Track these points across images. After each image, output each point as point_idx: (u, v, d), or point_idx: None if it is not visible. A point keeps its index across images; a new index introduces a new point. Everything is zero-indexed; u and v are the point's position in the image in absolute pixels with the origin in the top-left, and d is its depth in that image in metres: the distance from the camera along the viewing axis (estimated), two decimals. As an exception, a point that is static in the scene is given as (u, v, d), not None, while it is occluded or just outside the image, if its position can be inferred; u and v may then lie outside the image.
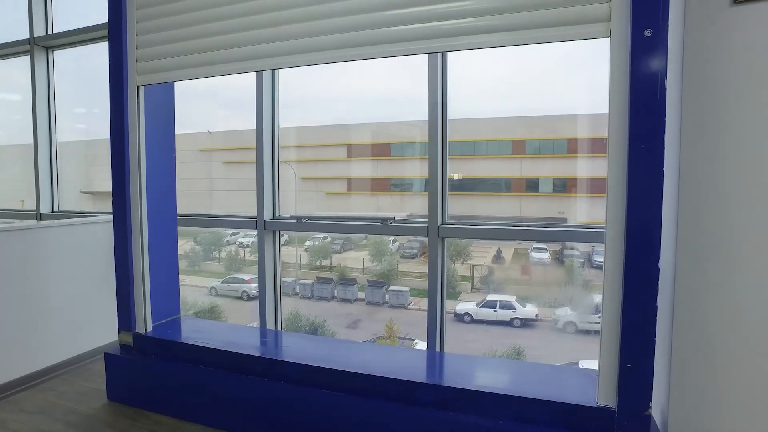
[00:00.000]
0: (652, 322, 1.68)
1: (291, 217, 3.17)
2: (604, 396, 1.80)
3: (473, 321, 3.44)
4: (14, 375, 2.82)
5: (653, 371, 1.70)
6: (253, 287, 4.24)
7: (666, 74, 1.62)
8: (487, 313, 3.42)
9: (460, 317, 3.45)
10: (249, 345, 2.50)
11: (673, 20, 1.62)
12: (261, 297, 3.22)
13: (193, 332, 2.66)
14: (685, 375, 1.77)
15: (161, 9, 2.46)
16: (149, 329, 2.63)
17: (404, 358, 2.46)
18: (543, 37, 1.80)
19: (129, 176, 2.55)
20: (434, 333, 2.78)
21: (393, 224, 2.85)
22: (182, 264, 4.61)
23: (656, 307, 1.67)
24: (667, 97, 1.63)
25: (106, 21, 2.56)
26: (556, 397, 1.87)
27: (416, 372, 2.17)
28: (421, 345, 3.45)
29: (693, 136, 1.74)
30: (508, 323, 3.37)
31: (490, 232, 2.69)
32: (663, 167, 1.65)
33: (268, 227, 3.19)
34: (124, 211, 2.56)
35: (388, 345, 3.53)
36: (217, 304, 4.44)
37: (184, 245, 4.70)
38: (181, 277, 4.59)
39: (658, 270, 1.67)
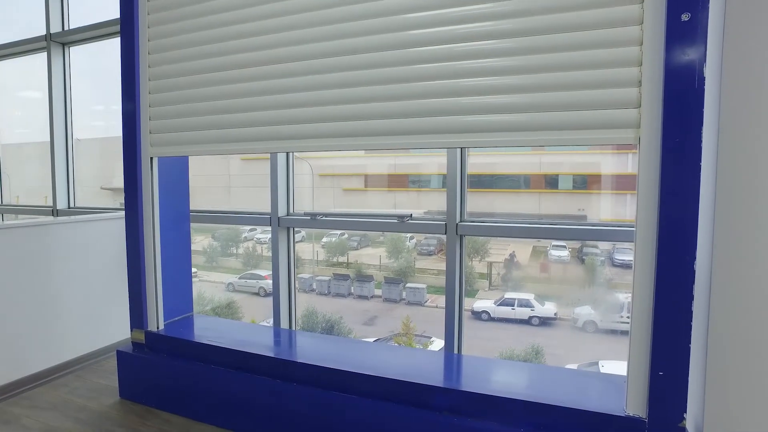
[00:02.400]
0: (687, 328, 1.58)
1: (305, 214, 3.11)
2: (633, 405, 1.70)
3: (491, 319, 3.37)
4: (29, 371, 2.82)
5: (688, 380, 1.59)
6: (270, 283, 4.22)
7: (705, 62, 1.50)
8: (505, 311, 3.35)
9: (477, 315, 3.39)
10: (261, 345, 2.44)
11: (713, 1, 1.50)
12: (275, 294, 3.17)
13: (205, 331, 2.61)
14: (722, 384, 1.65)
15: (174, 82, 2.42)
16: (161, 327, 2.59)
17: (420, 360, 2.38)
18: (568, 140, 1.72)
19: (141, 173, 2.52)
20: (452, 333, 2.69)
21: (410, 221, 2.76)
22: (200, 260, 4.63)
23: (692, 311, 1.56)
24: (706, 87, 1.52)
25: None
26: (581, 404, 1.77)
27: (432, 375, 2.09)
28: (438, 342, 3.39)
29: (733, 129, 1.61)
30: (527, 321, 3.30)
31: (509, 230, 2.59)
32: (700, 162, 1.54)
33: (282, 224, 3.13)
34: (136, 208, 2.52)
35: (404, 346, 3.46)
36: (234, 300, 4.43)
37: (202, 241, 4.71)
38: (199, 272, 4.63)
39: (694, 272, 1.55)
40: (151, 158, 2.52)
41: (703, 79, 1.51)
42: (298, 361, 2.23)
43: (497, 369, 2.26)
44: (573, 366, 3.12)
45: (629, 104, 1.63)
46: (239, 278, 4.46)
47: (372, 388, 2.05)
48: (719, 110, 1.62)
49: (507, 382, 2.07)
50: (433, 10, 1.87)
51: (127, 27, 2.49)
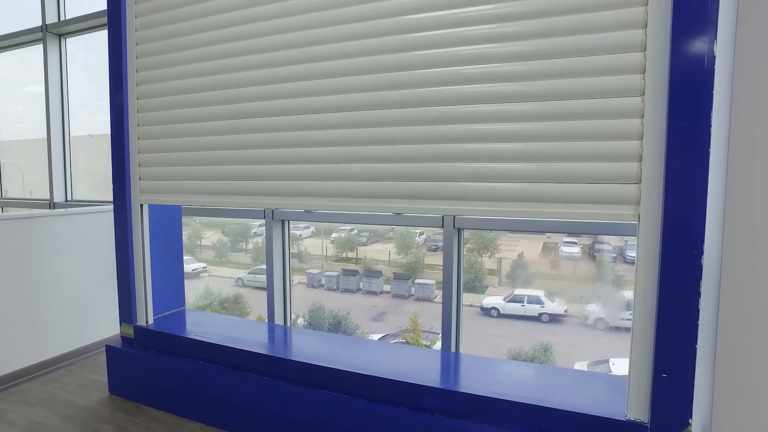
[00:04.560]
0: (694, 327, 1.47)
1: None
2: (634, 408, 1.59)
3: (500, 315, 3.30)
4: (18, 365, 2.78)
5: (694, 383, 1.49)
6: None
7: (716, 39, 1.38)
8: (515, 308, 3.30)
9: (486, 311, 3.34)
10: (252, 341, 2.37)
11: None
12: (269, 289, 3.10)
13: (196, 326, 2.55)
14: (731, 388, 1.54)
15: (163, 129, 2.39)
16: (150, 322, 2.54)
17: (416, 358, 2.29)
18: (566, 214, 1.65)
19: (129, 163, 2.47)
20: (449, 330, 2.60)
21: (406, 214, 2.67)
22: (210, 255, 4.61)
23: (699, 309, 1.45)
24: (716, 68, 1.40)
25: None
26: (580, 407, 1.67)
27: (427, 375, 2.01)
28: (445, 340, 3.34)
29: (746, 114, 1.49)
30: (536, 318, 3.23)
31: (508, 223, 2.49)
32: (709, 148, 1.42)
33: (277, 216, 3.06)
34: (124, 199, 2.47)
35: (401, 344, 3.39)
36: (242, 294, 4.41)
37: (212, 237, 4.68)
38: (208, 267, 4.60)
39: (701, 267, 1.44)
40: (141, 205, 2.48)
41: (713, 58, 1.40)
42: (290, 358, 2.16)
43: (495, 369, 2.16)
44: (582, 363, 3.04)
45: (630, 176, 1.56)
46: (248, 273, 4.44)
47: (364, 387, 1.97)
48: (731, 93, 1.50)
49: (503, 382, 1.97)
50: (430, 68, 1.80)
51: (115, 71, 2.48)
